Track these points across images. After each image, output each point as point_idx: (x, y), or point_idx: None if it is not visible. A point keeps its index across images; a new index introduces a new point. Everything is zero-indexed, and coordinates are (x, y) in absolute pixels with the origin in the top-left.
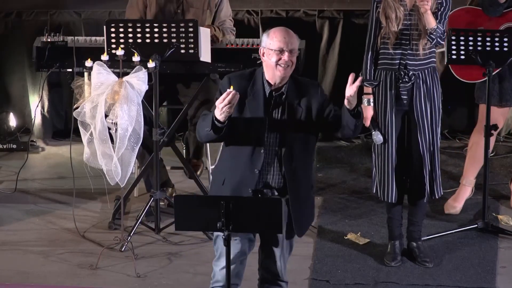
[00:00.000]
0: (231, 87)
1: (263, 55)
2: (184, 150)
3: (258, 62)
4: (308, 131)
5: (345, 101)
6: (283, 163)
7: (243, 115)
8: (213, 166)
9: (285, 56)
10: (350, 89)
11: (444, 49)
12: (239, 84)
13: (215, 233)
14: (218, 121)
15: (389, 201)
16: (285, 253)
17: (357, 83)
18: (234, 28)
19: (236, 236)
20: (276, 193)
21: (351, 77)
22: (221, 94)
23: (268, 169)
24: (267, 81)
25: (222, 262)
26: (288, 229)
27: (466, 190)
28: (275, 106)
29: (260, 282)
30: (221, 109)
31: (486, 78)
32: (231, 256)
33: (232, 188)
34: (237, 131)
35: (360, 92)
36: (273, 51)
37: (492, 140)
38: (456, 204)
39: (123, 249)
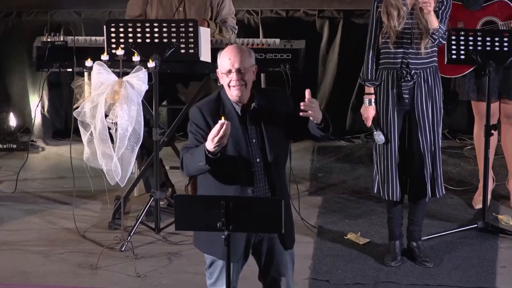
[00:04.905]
0: (222, 117)
1: (221, 77)
2: None
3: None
4: (285, 139)
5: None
6: (272, 177)
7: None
8: None
9: (233, 77)
10: (305, 107)
11: None
12: (211, 110)
13: (210, 258)
14: (211, 153)
15: (393, 199)
16: (289, 269)
17: (307, 100)
18: (236, 27)
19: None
20: None
21: (307, 93)
22: (195, 125)
23: (260, 185)
24: (233, 100)
25: (219, 287)
26: (281, 240)
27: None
28: (251, 123)
29: None
30: (216, 142)
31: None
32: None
33: None
34: (222, 157)
35: (361, 91)
36: (223, 74)
37: (494, 139)
38: (481, 198)
39: (123, 249)
